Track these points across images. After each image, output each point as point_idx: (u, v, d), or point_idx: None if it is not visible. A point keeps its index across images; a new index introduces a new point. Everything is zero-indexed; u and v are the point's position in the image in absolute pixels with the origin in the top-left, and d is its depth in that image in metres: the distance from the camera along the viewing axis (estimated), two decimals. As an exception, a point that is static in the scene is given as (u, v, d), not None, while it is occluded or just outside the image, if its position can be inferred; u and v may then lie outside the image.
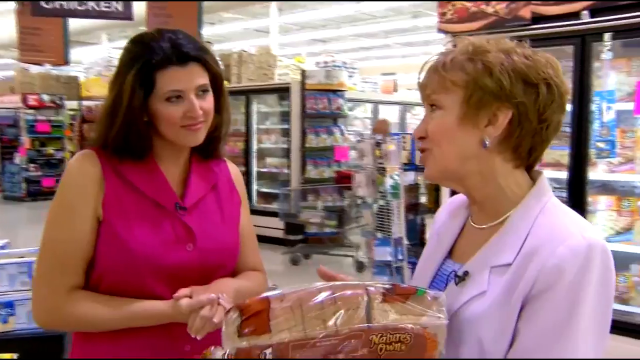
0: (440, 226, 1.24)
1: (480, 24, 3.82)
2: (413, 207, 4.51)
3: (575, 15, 3.44)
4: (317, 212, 7.22)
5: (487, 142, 1.03)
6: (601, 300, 0.93)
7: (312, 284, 0.93)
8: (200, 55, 1.39)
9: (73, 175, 1.40)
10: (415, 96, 11.61)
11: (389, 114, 10.48)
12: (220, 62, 1.49)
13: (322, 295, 0.91)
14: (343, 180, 7.25)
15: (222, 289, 1.36)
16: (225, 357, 0.90)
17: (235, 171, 1.64)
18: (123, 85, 1.35)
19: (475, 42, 1.06)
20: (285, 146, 8.08)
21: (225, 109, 1.52)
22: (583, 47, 3.45)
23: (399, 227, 4.09)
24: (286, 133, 8.01)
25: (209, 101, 1.42)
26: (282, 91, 7.96)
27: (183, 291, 1.32)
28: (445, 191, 4.14)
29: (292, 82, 7.79)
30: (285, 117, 8.09)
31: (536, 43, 3.69)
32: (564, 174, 3.66)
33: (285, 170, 8.10)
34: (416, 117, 10.89)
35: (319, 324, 0.89)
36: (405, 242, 4.17)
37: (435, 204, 4.60)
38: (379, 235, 4.30)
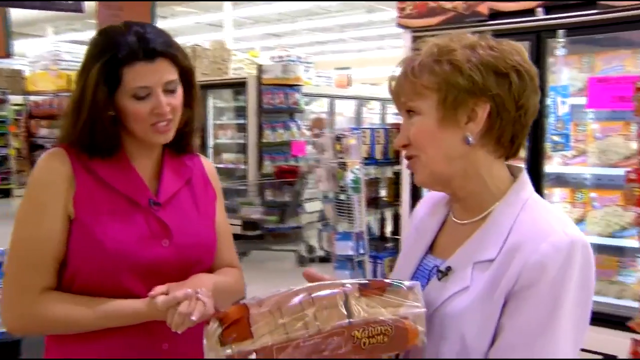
0: (419, 222, 1.24)
1: (439, 20, 3.86)
2: (373, 201, 4.53)
3: (531, 12, 3.52)
4: (255, 208, 7.19)
5: (470, 139, 1.03)
6: (582, 295, 0.95)
7: (288, 288, 0.94)
8: (168, 51, 1.36)
9: (42, 173, 1.36)
10: (371, 91, 11.71)
11: (345, 108, 10.52)
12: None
13: (299, 297, 0.92)
14: (284, 175, 7.26)
15: (199, 285, 1.34)
16: None
17: (209, 166, 1.62)
18: (87, 80, 1.32)
19: (438, 42, 1.06)
20: (241, 141, 8.01)
21: (197, 103, 1.49)
22: (538, 43, 3.53)
23: (360, 221, 4.11)
24: (242, 128, 7.94)
25: (177, 97, 1.39)
26: (239, 86, 7.88)
27: (159, 288, 1.30)
28: (406, 185, 4.18)
29: (248, 76, 7.72)
30: (241, 112, 8.02)
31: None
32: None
33: (242, 166, 8.03)
34: (372, 112, 10.96)
35: (300, 325, 0.89)
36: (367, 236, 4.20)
37: (394, 197, 4.64)
38: (340, 229, 4.31)
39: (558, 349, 0.92)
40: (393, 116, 11.51)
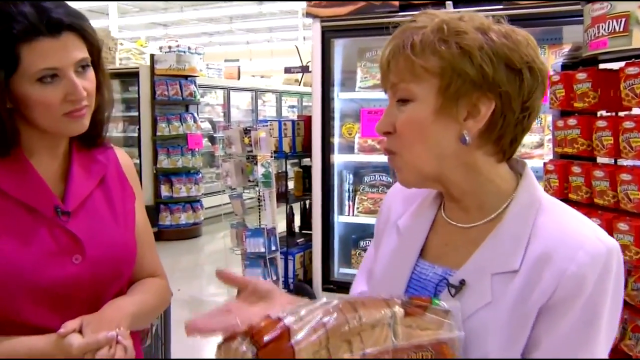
0: (399, 218, 1.09)
1: (349, 9, 3.80)
2: (282, 196, 4.41)
3: (441, 4, 3.55)
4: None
5: (467, 138, 0.90)
6: (615, 302, 0.88)
7: (326, 300, 0.80)
8: (76, 23, 1.13)
9: None
10: (265, 83, 11.54)
11: (241, 100, 10.29)
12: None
13: (348, 316, 0.78)
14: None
15: (117, 317, 1.13)
16: None
17: (125, 160, 1.39)
18: None
19: (446, 19, 0.90)
20: (134, 135, 7.54)
21: (107, 87, 1.27)
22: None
23: (271, 217, 3.97)
24: (135, 121, 7.48)
25: (90, 79, 1.17)
26: (128, 76, 7.40)
27: (70, 325, 1.08)
28: (317, 179, 4.09)
29: (140, 67, 7.29)
30: (132, 104, 7.55)
31: (404, 30, 3.79)
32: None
33: (136, 160, 7.57)
34: (267, 104, 10.80)
35: (344, 346, 0.77)
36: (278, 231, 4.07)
37: (303, 192, 4.55)
38: (250, 225, 4.15)
39: (596, 357, 0.86)
40: (288, 109, 11.46)
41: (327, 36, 3.95)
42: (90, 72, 1.18)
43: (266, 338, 0.73)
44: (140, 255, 1.33)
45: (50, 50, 1.09)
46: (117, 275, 1.25)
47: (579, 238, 0.87)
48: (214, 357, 0.83)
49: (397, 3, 3.67)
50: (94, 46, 1.19)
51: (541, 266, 0.87)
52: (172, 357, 2.02)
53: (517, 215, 0.93)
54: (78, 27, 1.14)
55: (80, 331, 1.08)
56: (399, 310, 0.81)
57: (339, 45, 4.08)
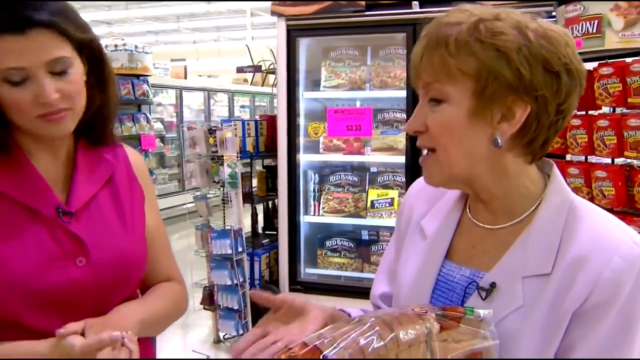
0: (421, 218, 1.07)
1: (315, 8, 3.79)
2: (247, 196, 4.35)
3: (408, 3, 3.59)
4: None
5: (499, 141, 0.88)
6: None
7: (360, 318, 0.80)
8: (48, 19, 1.03)
9: None
10: (217, 82, 11.37)
11: (192, 100, 10.12)
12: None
13: (386, 339, 0.77)
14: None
15: (124, 323, 1.08)
16: None
17: (135, 158, 1.33)
18: None
19: (483, 16, 0.87)
20: (83, 136, 7.29)
21: (110, 84, 1.21)
22: (415, 34, 3.61)
23: (238, 218, 3.91)
24: (84, 122, 7.23)
25: (71, 81, 1.08)
26: (77, 75, 7.15)
27: (72, 326, 1.02)
28: (282, 178, 4.06)
29: (89, 65, 7.04)
30: (81, 103, 7.29)
31: (371, 29, 3.81)
32: (399, 158, 3.83)
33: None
34: (219, 104, 10.65)
35: None
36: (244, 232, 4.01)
37: (267, 192, 4.51)
38: (215, 226, 4.07)
39: None
40: (240, 109, 11.35)
41: (293, 35, 3.93)
42: (73, 73, 1.09)
43: None
44: (153, 258, 1.28)
45: (16, 48, 1.01)
46: (124, 279, 1.20)
47: (614, 242, 0.86)
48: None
49: (363, 3, 3.69)
50: (81, 42, 1.11)
51: (575, 270, 0.85)
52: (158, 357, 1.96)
53: (548, 217, 0.91)
54: (54, 23, 1.04)
55: (83, 334, 1.03)
56: (434, 325, 0.81)
57: (303, 45, 4.07)
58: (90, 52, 1.14)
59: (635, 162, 2.20)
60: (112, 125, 1.26)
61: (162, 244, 1.34)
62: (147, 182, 1.33)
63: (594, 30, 2.24)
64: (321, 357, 0.73)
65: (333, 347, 0.74)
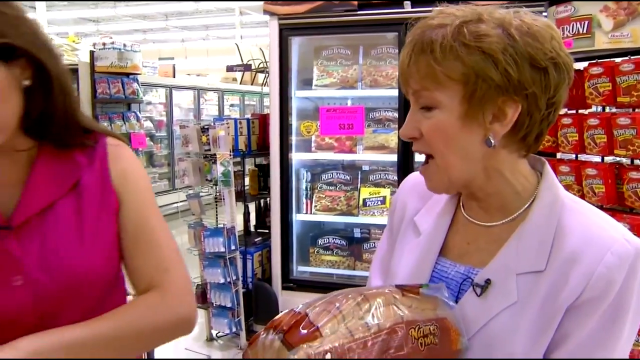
0: (415, 214, 1.08)
1: (307, 7, 3.81)
2: (239, 195, 4.37)
3: (400, 3, 3.62)
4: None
5: (492, 141, 0.89)
6: (639, 303, 0.90)
7: (337, 293, 0.87)
8: None
9: None
10: (207, 81, 11.35)
11: (182, 99, 10.09)
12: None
13: (355, 298, 0.85)
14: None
15: (3, 352, 0.94)
16: None
17: (120, 158, 1.17)
18: None
19: (466, 18, 0.87)
20: (73, 134, 7.25)
21: (56, 80, 1.05)
22: (406, 34, 3.63)
23: (231, 216, 3.92)
24: (74, 120, 7.19)
25: None
26: (66, 73, 7.11)
27: None
28: (275, 177, 4.08)
29: (79, 63, 7.01)
30: (71, 102, 7.25)
31: (363, 29, 3.84)
32: (390, 157, 3.86)
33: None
34: (209, 103, 10.63)
35: (362, 323, 0.82)
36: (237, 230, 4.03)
37: (259, 190, 4.52)
38: (209, 225, 4.09)
39: (616, 356, 0.89)
40: (229, 107, 11.33)
41: (285, 34, 3.95)
42: None
43: (289, 323, 0.80)
44: (134, 265, 1.15)
45: None
46: (72, 297, 1.07)
47: (606, 239, 0.88)
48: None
49: (355, 2, 3.71)
50: (9, 41, 0.96)
51: (568, 267, 0.87)
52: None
53: (542, 215, 0.93)
54: None
55: None
56: (397, 291, 0.88)
57: (295, 44, 4.09)
58: (16, 53, 0.98)
59: (624, 160, 2.25)
60: (77, 124, 1.12)
61: (144, 249, 1.16)
62: (134, 184, 1.17)
63: (584, 31, 2.28)
64: (297, 312, 0.81)
65: (311, 309, 0.81)
